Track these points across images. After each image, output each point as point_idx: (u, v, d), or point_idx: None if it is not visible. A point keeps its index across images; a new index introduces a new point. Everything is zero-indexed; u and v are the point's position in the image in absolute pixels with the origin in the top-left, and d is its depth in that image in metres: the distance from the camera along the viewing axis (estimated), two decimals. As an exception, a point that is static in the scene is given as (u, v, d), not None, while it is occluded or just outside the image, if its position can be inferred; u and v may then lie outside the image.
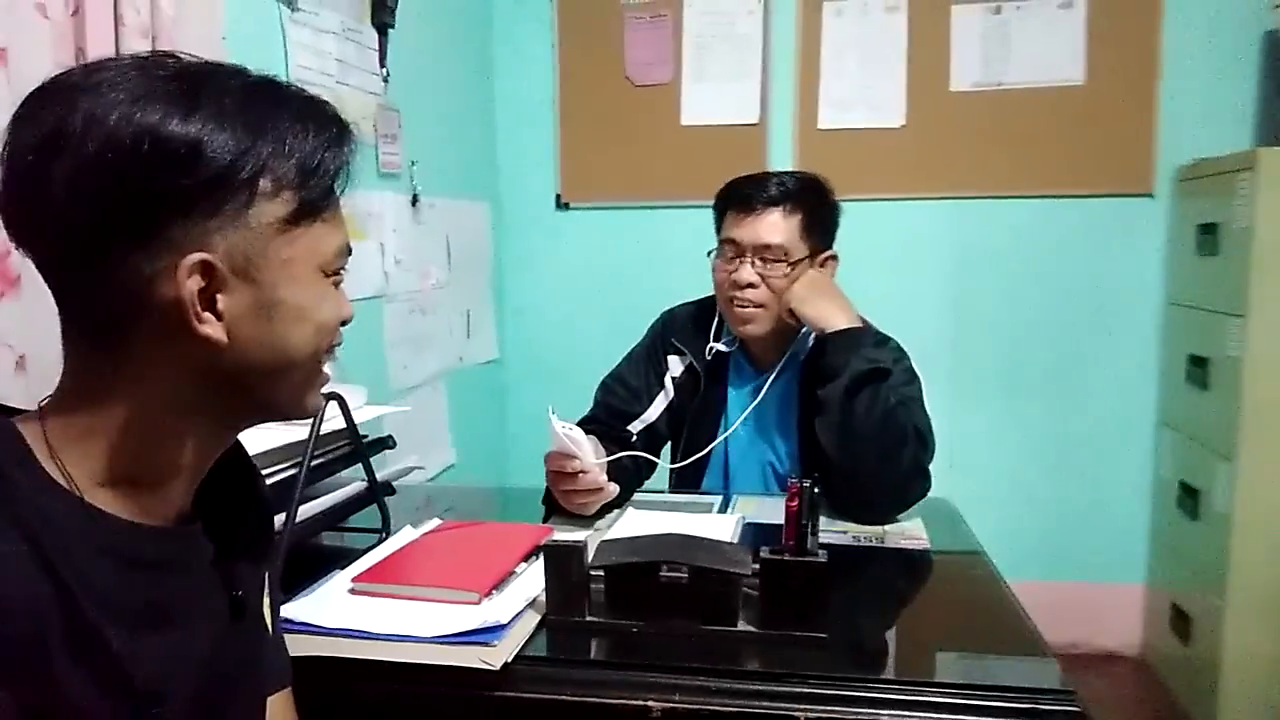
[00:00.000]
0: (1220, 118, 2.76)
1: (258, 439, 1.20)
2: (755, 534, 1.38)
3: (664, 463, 1.78)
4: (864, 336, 1.54)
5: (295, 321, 0.71)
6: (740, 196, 1.65)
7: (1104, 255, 2.89)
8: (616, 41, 3.02)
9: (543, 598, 1.11)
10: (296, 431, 1.20)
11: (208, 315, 0.66)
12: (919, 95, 2.91)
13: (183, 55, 0.69)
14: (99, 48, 1.39)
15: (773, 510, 1.39)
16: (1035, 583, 2.97)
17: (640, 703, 0.95)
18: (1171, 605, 2.74)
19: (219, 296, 0.66)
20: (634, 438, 1.69)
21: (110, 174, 0.62)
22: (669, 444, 1.80)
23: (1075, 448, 2.95)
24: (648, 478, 1.70)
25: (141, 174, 0.62)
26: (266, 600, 0.86)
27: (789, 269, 1.61)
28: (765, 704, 0.96)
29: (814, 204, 1.65)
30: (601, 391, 1.78)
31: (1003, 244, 2.93)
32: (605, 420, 1.72)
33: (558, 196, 3.13)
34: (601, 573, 1.10)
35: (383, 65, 2.29)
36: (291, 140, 0.69)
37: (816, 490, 1.11)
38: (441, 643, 1.03)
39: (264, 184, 0.67)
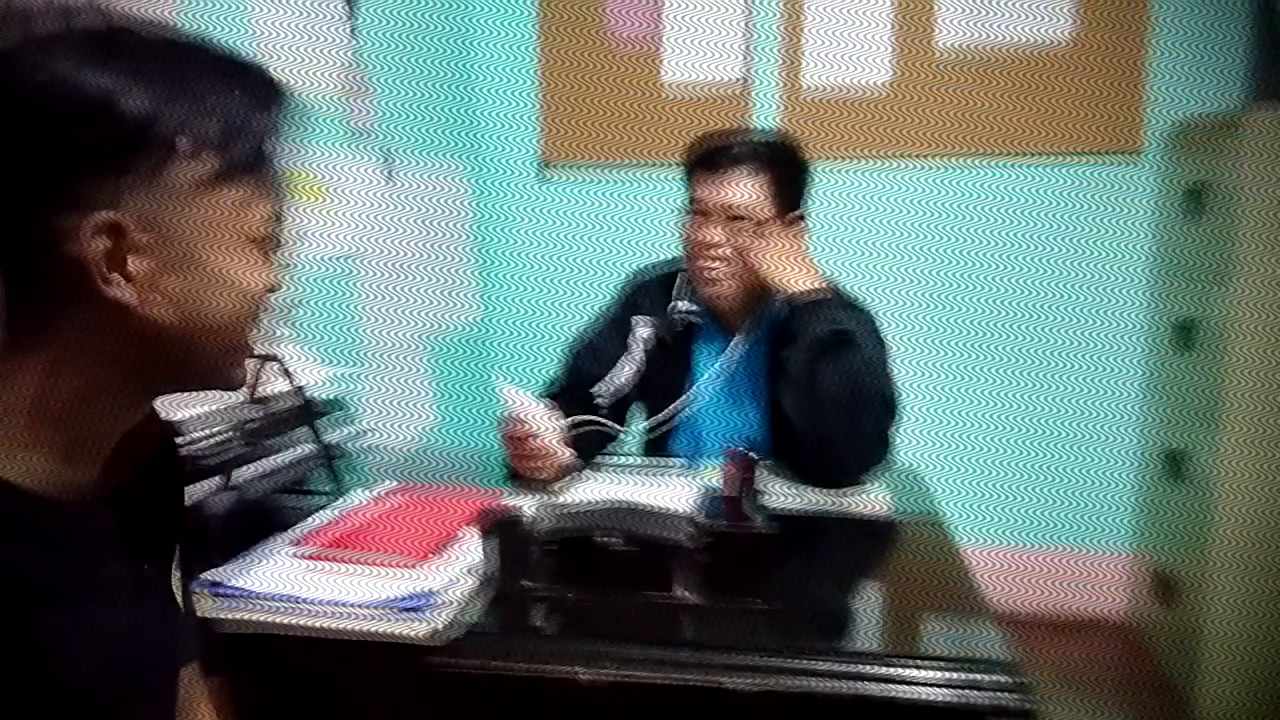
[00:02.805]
0: (1210, 75, 2.70)
1: (195, 401, 1.18)
2: (716, 502, 1.36)
3: (636, 426, 1.76)
4: (828, 300, 1.51)
5: (214, 287, 0.68)
6: (707, 156, 1.61)
7: (1090, 217, 2.84)
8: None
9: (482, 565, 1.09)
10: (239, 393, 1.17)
11: (115, 277, 0.63)
12: (904, 53, 2.84)
13: (108, 7, 0.65)
14: None
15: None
16: (1017, 548, 2.99)
17: (570, 672, 0.94)
18: (1155, 572, 2.72)
19: (129, 258, 0.63)
20: (600, 401, 1.66)
21: (18, 124, 0.59)
22: (644, 408, 1.77)
23: (1059, 413, 2.92)
24: (613, 441, 1.68)
25: (50, 127, 0.60)
26: (176, 574, 0.84)
27: (755, 229, 1.57)
28: (693, 674, 0.94)
29: (782, 164, 1.61)
30: (568, 356, 1.75)
31: (987, 206, 2.88)
32: (571, 385, 1.70)
33: (540, 156, 3.08)
34: (538, 540, 1.08)
35: (351, 18, 2.23)
36: (215, 99, 0.65)
37: (756, 458, 1.08)
38: (371, 609, 1.01)
39: (182, 143, 0.63)
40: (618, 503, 1.13)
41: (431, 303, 2.74)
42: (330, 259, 2.14)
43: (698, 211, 1.61)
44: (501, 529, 1.06)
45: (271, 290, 0.74)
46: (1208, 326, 2.45)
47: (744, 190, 1.57)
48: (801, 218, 1.65)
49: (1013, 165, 2.84)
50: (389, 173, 2.43)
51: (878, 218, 2.92)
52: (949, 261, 2.91)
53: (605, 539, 1.03)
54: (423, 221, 2.66)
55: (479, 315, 3.07)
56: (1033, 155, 2.83)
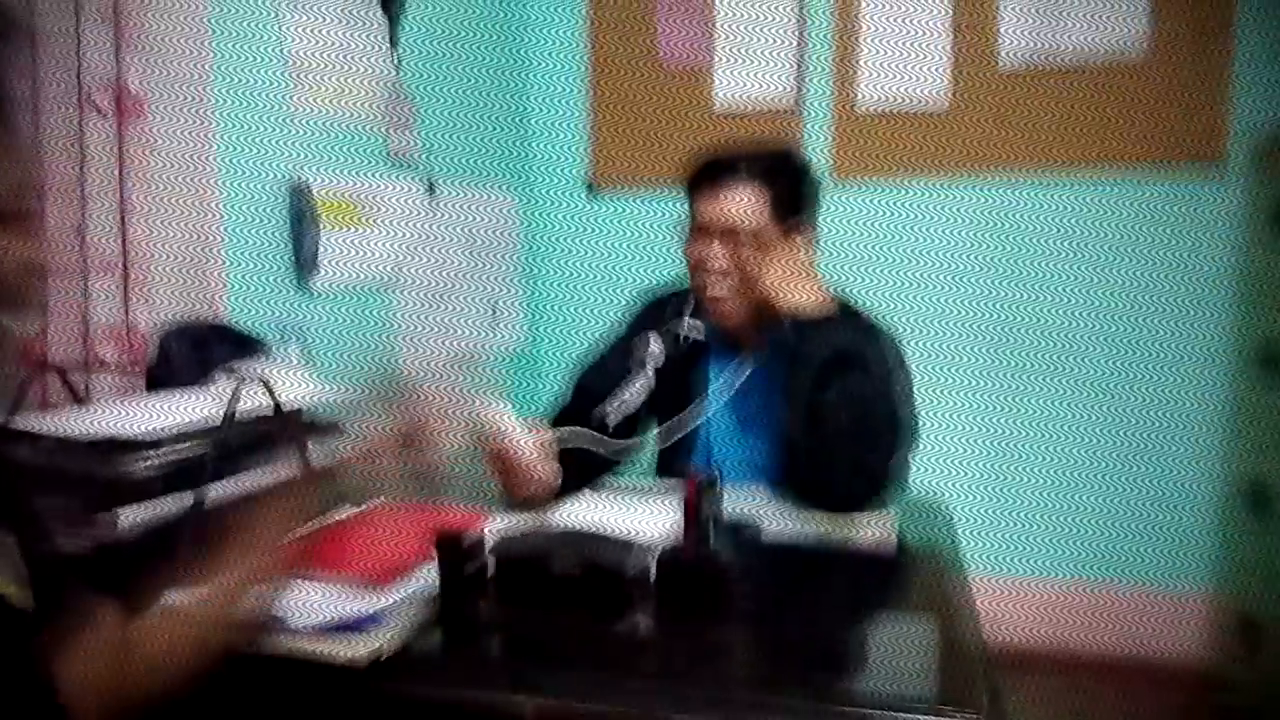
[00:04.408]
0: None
1: (167, 413, 1.19)
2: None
3: (648, 446, 1.72)
4: (831, 318, 1.44)
5: None
6: (705, 174, 1.57)
7: (1169, 236, 2.67)
8: (649, 21, 2.95)
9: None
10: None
11: None
12: (965, 72, 2.74)
13: None
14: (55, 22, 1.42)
15: (741, 502, 1.34)
16: (1086, 583, 2.82)
17: (512, 699, 0.90)
18: (1237, 613, 2.53)
19: None
20: (609, 420, 1.63)
21: None
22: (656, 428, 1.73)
23: (1136, 441, 2.75)
24: (619, 463, 1.64)
25: None
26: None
27: (755, 244, 1.52)
28: (634, 706, 0.89)
29: (781, 176, 1.55)
30: (575, 375, 1.73)
31: (1058, 224, 2.74)
32: (579, 404, 1.67)
33: (588, 182, 3.07)
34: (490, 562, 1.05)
35: (393, 47, 2.27)
36: None
37: (716, 486, 1.03)
38: (315, 631, 0.99)
39: None
40: (572, 527, 1.09)
41: (475, 326, 2.75)
42: (371, 283, 2.17)
43: (697, 228, 1.57)
44: (452, 550, 1.04)
45: (28, 269, 0.68)
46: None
47: (741, 204, 1.52)
48: (806, 230, 1.59)
49: (1085, 182, 2.70)
50: (433, 196, 2.46)
51: (941, 237, 2.82)
52: (1018, 282, 2.79)
53: (555, 564, 1.00)
54: (469, 245, 2.68)
55: (525, 339, 3.07)
56: (1106, 171, 2.69)
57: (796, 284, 1.48)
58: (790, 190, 1.56)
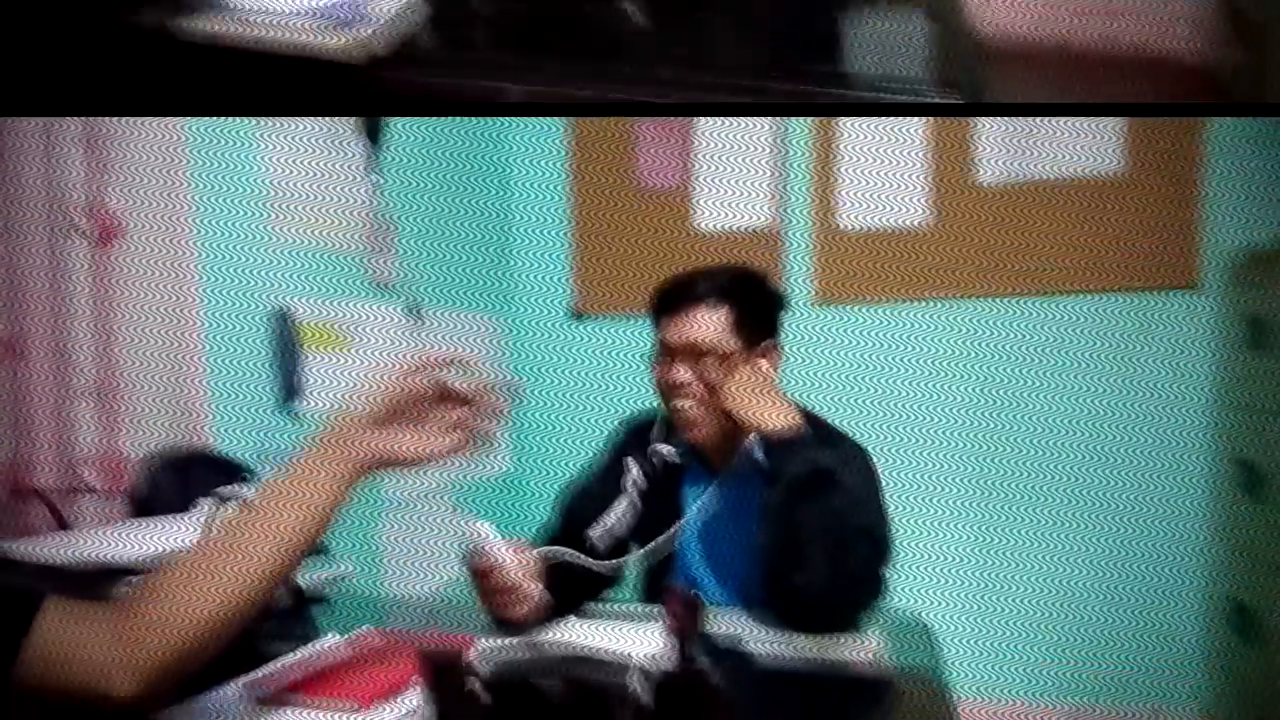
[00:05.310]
0: (1269, 206, 2.64)
1: (148, 540, 1.19)
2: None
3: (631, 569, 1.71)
4: (800, 437, 1.47)
5: None
6: (666, 298, 1.63)
7: (1145, 354, 2.76)
8: (630, 148, 3.07)
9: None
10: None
11: None
12: (944, 194, 2.85)
13: None
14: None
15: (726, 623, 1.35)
16: (1076, 707, 2.77)
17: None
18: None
19: None
20: (596, 545, 1.63)
21: None
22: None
23: (1123, 562, 2.77)
24: (607, 586, 1.63)
25: None
26: None
27: (721, 366, 1.55)
28: None
29: (744, 296, 1.60)
30: (561, 501, 1.74)
31: (1036, 343, 2.83)
32: (565, 530, 1.67)
33: (572, 308, 3.15)
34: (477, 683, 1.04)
35: (374, 174, 2.34)
36: None
37: (699, 607, 1.04)
38: None
39: None
40: (560, 646, 1.09)
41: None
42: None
43: (665, 351, 1.61)
44: (436, 668, 1.03)
45: None
46: (1274, 465, 2.31)
47: (704, 326, 1.57)
48: (771, 347, 1.63)
49: (1062, 301, 2.80)
50: (417, 321, 2.50)
51: (923, 357, 2.89)
52: (998, 401, 2.85)
53: (543, 683, 0.99)
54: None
55: (509, 463, 3.08)
56: (1083, 291, 2.78)
57: (762, 402, 1.51)
58: (752, 309, 1.60)
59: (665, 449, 1.69)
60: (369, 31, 1.33)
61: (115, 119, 1.60)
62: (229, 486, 1.41)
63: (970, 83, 1.34)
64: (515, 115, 2.97)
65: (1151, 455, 2.74)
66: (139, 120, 1.65)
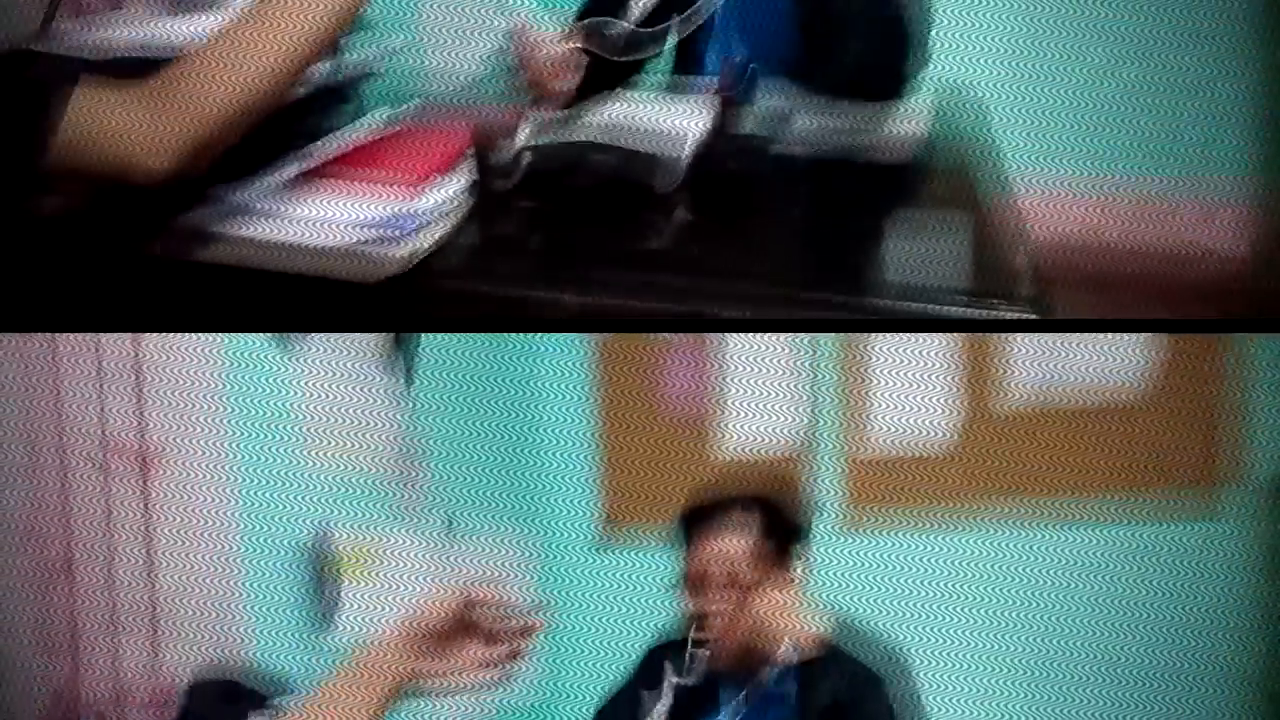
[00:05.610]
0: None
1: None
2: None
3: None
4: (819, 665, 1.49)
5: None
6: (687, 526, 1.58)
7: (1179, 581, 2.54)
8: (658, 373, 2.92)
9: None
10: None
11: None
12: (975, 415, 2.68)
13: None
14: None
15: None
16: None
17: (554, 297, 0.96)
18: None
19: None
20: None
21: None
22: None
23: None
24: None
25: None
26: None
27: (743, 590, 1.51)
28: (671, 302, 0.98)
29: (764, 522, 1.54)
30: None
31: (1071, 566, 2.62)
32: None
33: (601, 533, 3.09)
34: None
35: (405, 403, 2.29)
36: None
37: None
38: (350, 229, 1.01)
39: None
40: (609, 115, 1.11)
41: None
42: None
43: (687, 575, 1.56)
44: (487, 141, 1.13)
45: None
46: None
47: (722, 548, 1.52)
48: (792, 570, 1.57)
49: (1093, 524, 2.59)
50: (447, 545, 2.52)
51: (953, 580, 2.70)
52: (1028, 624, 2.64)
53: (590, 156, 1.03)
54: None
55: (540, 690, 2.85)
56: (1113, 513, 2.57)
57: (783, 625, 1.51)
58: (773, 533, 1.54)
59: (690, 669, 1.59)
60: (421, 243, 1.14)
61: (155, 343, 1.56)
62: (267, 711, 1.37)
63: (1032, 297, 1.15)
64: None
65: (1181, 676, 2.49)
66: (177, 342, 1.59)
